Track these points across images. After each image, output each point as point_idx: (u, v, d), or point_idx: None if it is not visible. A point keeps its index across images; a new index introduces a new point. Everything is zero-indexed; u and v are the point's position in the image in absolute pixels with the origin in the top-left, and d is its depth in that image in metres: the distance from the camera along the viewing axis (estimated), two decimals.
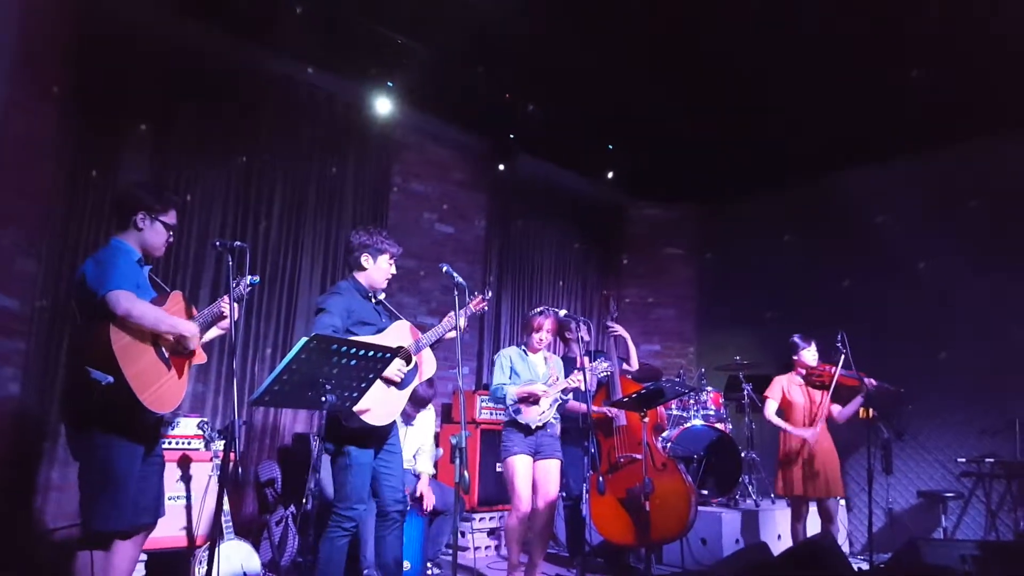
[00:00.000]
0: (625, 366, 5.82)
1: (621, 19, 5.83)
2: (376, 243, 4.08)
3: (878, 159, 7.62)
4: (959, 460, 6.94)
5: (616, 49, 6.22)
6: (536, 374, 5.02)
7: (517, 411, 4.85)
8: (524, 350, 5.13)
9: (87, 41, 5.18)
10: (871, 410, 5.62)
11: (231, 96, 6.00)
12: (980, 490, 6.84)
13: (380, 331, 4.00)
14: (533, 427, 4.84)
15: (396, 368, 3.88)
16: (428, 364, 4.22)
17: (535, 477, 4.88)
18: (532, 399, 4.83)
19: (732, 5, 5.56)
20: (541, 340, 5.08)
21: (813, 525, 5.83)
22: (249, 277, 3.69)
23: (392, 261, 4.15)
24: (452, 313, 4.13)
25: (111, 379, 3.08)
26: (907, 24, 5.59)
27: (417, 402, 5.43)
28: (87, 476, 3.25)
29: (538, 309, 5.16)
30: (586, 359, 4.95)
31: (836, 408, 5.74)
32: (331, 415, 3.28)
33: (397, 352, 3.45)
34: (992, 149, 7.03)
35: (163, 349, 3.33)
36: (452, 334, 4.14)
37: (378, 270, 4.09)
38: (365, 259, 4.07)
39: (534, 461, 4.88)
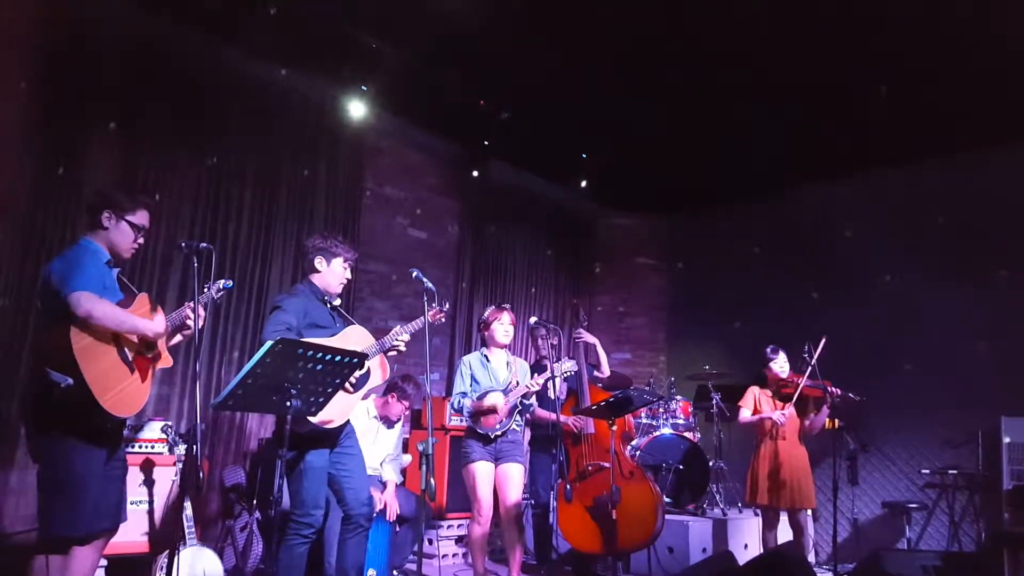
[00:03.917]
0: (596, 373, 5.82)
1: (595, 31, 5.87)
2: (330, 246, 4.11)
3: (847, 175, 7.72)
4: (923, 472, 7.04)
5: (590, 60, 6.25)
6: (497, 380, 5.01)
7: (476, 421, 4.86)
8: (485, 355, 5.12)
9: (55, 37, 5.10)
10: (837, 421, 5.67)
11: (202, 96, 5.93)
12: (944, 501, 6.94)
13: (333, 335, 3.98)
14: (492, 436, 4.85)
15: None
16: (379, 371, 4.19)
17: (497, 481, 4.88)
18: (488, 412, 4.83)
19: (703, 21, 5.61)
20: (507, 332, 5.08)
21: (786, 534, 5.86)
22: (222, 281, 3.66)
23: (346, 265, 4.16)
24: (398, 328, 4.15)
25: (70, 381, 3.03)
26: (874, 41, 5.68)
27: (404, 396, 5.42)
28: (46, 480, 3.19)
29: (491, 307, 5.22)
30: (556, 366, 4.96)
31: (807, 421, 5.77)
32: (283, 421, 3.24)
33: (365, 357, 3.42)
34: (958, 166, 7.16)
35: (127, 352, 3.28)
36: (404, 338, 4.11)
37: (332, 273, 4.12)
38: (319, 262, 4.10)
39: (496, 467, 4.88)
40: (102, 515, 3.28)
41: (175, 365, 5.56)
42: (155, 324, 3.35)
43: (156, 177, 5.67)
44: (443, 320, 4.43)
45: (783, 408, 5.68)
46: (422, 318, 4.13)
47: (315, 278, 4.11)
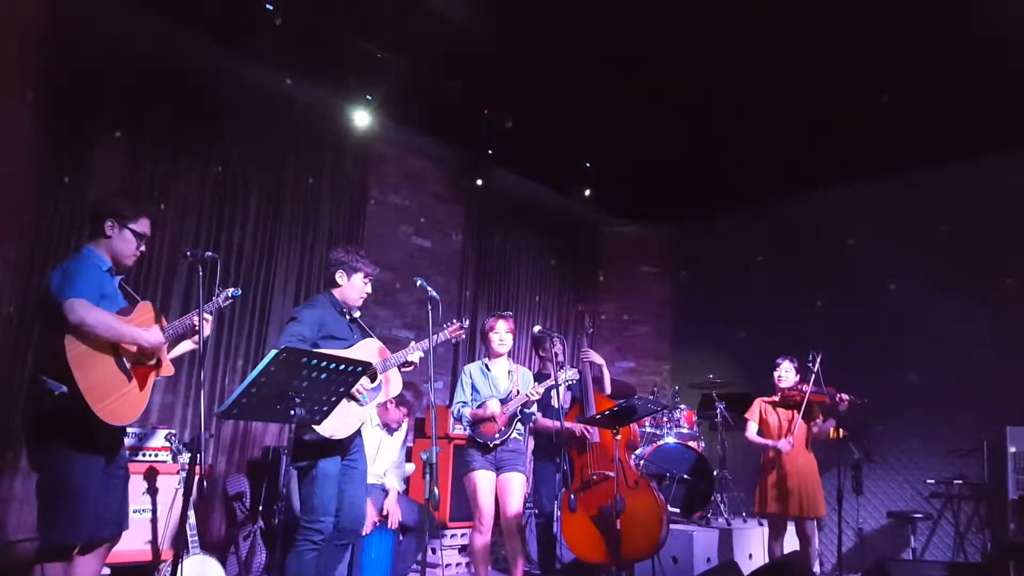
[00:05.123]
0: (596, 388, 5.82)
1: (597, 40, 5.89)
2: (351, 261, 4.16)
3: (850, 181, 7.71)
4: (928, 481, 7.01)
5: (592, 68, 6.27)
6: (497, 389, 5.00)
7: (476, 430, 4.86)
8: (486, 364, 5.12)
9: (60, 47, 5.12)
10: (841, 431, 5.64)
11: (208, 104, 5.95)
12: (949, 511, 6.90)
13: (350, 347, 4.02)
14: (491, 445, 4.85)
15: (359, 385, 3.87)
16: (394, 383, 4.23)
17: (498, 491, 4.88)
18: (487, 420, 4.84)
19: (705, 28, 5.62)
20: (502, 341, 5.07)
21: (792, 544, 5.83)
22: (230, 290, 3.67)
23: (367, 280, 4.21)
24: (413, 343, 4.22)
25: (64, 388, 3.06)
26: (877, 48, 5.68)
27: (402, 402, 5.42)
28: (44, 487, 3.20)
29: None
30: (559, 374, 4.95)
31: (814, 427, 5.75)
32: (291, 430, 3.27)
33: (368, 367, 3.43)
34: (961, 174, 7.14)
35: (125, 360, 3.29)
36: (418, 355, 4.14)
37: (352, 288, 4.16)
38: (340, 276, 4.15)
39: (497, 476, 4.88)
40: (103, 523, 3.28)
41: (179, 374, 5.56)
42: (151, 335, 3.35)
43: (161, 185, 5.69)
44: (463, 336, 4.51)
45: (789, 417, 5.68)
46: (442, 333, 4.28)
47: (335, 291, 4.17)
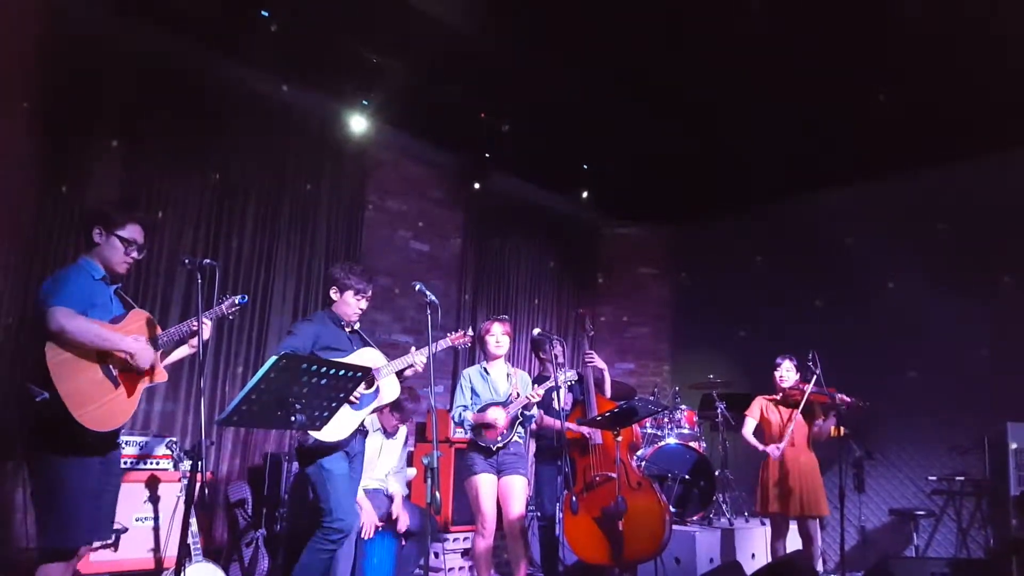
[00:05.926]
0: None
1: (596, 42, 5.88)
2: (343, 279, 4.26)
3: (850, 181, 7.71)
4: (930, 478, 7.00)
5: (590, 71, 6.26)
6: (497, 392, 5.03)
7: (477, 434, 4.87)
8: (484, 368, 5.15)
9: (56, 56, 5.10)
10: (842, 428, 5.65)
11: (205, 112, 5.95)
12: (951, 508, 6.90)
13: (347, 357, 4.07)
14: (494, 448, 4.86)
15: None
16: (390, 389, 4.26)
17: (500, 494, 4.90)
18: (488, 426, 4.86)
19: (706, 29, 5.62)
20: (498, 344, 5.12)
21: (795, 544, 5.83)
22: (236, 297, 3.71)
23: (359, 297, 4.28)
24: (414, 350, 4.30)
25: (46, 395, 3.09)
26: (877, 48, 5.68)
27: (397, 407, 5.42)
28: (37, 494, 3.26)
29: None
30: (559, 375, 4.96)
31: (815, 427, 5.75)
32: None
33: (368, 371, 3.44)
34: (961, 174, 7.14)
35: (111, 367, 3.30)
36: (421, 359, 4.18)
37: (344, 304, 4.27)
38: (334, 292, 4.28)
39: (499, 479, 4.88)
40: (99, 527, 3.31)
41: (179, 381, 5.56)
42: (138, 344, 3.35)
43: (159, 193, 5.69)
44: (467, 344, 4.61)
45: (790, 415, 5.69)
46: (444, 340, 4.39)
47: (333, 306, 4.28)
